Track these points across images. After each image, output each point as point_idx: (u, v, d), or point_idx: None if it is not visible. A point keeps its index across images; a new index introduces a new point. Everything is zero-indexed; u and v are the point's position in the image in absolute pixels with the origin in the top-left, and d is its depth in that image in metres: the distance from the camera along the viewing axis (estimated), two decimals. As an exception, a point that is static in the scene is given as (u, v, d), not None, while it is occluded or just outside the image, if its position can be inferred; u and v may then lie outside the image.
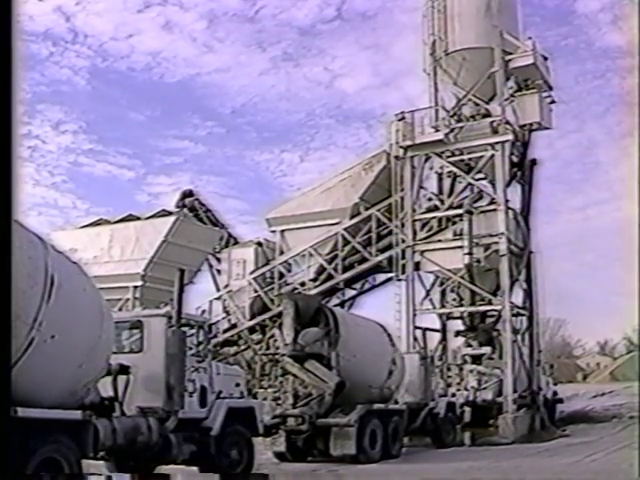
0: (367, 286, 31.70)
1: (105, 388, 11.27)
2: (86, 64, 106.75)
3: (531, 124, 26.98)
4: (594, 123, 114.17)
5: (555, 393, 32.48)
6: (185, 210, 32.35)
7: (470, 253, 25.51)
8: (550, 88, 27.88)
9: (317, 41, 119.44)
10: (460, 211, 26.38)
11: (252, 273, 30.72)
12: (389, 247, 28.20)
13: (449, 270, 26.49)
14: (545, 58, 27.96)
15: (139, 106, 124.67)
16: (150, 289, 28.21)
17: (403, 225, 27.46)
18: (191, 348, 12.98)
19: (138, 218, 30.49)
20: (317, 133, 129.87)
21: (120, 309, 24.24)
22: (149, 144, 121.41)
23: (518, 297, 27.49)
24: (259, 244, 31.59)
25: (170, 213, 30.81)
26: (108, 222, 30.99)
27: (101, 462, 12.55)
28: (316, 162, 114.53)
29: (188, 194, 33.85)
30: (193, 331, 13.28)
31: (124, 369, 11.59)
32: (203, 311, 29.27)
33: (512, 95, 27.03)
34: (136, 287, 28.60)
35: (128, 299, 28.03)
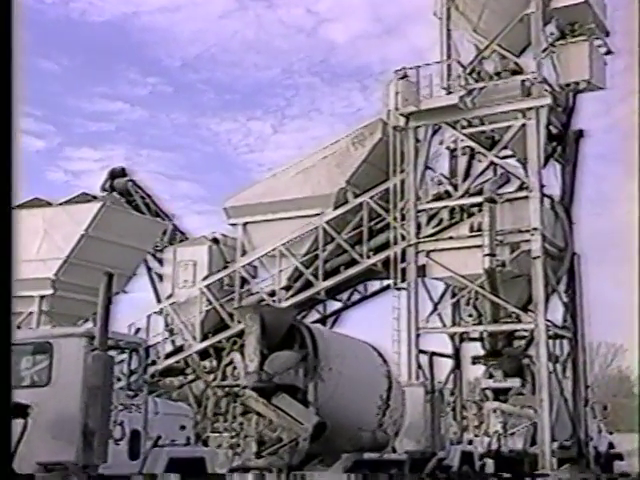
0: (356, 297, 31.84)
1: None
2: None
3: (577, 83, 26.85)
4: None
5: (611, 445, 32.61)
6: (115, 194, 32.42)
7: (492, 254, 25.36)
8: (607, 34, 27.92)
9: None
10: (479, 199, 26.28)
11: (205, 279, 30.76)
12: (385, 246, 28.19)
13: (464, 276, 26.47)
14: (602, -8, 28.09)
15: (51, 52, 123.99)
16: (63, 300, 28.09)
17: (404, 217, 27.45)
18: (120, 379, 13.05)
19: (49, 204, 30.28)
20: (295, 96, 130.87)
21: (19, 327, 23.81)
22: (66, 104, 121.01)
23: (557, 313, 27.65)
24: (215, 241, 31.61)
25: (94, 198, 30.64)
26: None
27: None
28: (293, 134, 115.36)
29: (120, 173, 34.02)
30: (124, 356, 13.40)
31: (21, 410, 11.31)
32: (138, 329, 29.34)
33: (552, 44, 26.95)
34: (43, 297, 28.41)
35: (31, 313, 27.83)
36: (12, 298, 5.14)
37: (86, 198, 30.48)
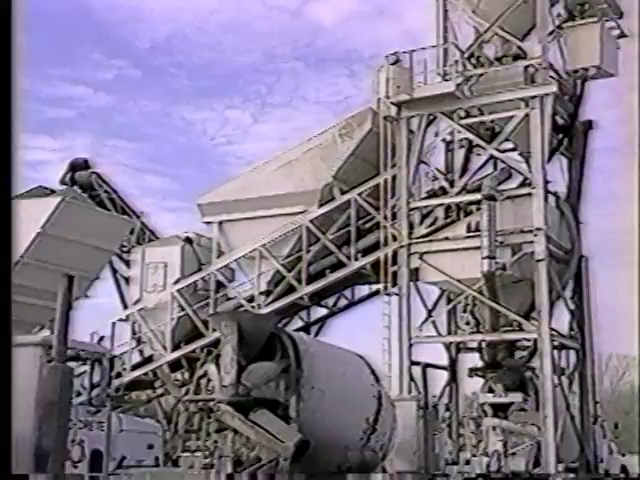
0: (343, 303, 31.80)
1: None
2: None
3: (586, 69, 27.01)
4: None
5: (624, 468, 32.60)
6: (76, 188, 32.26)
7: (492, 257, 25.30)
8: (620, 15, 28.05)
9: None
10: (478, 196, 26.23)
11: (177, 283, 30.67)
12: (375, 247, 28.06)
13: (461, 281, 26.46)
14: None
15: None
16: (16, 305, 27.23)
17: (395, 216, 27.47)
18: (80, 393, 13.06)
19: (0, 198, 30.13)
20: (278, 82, 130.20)
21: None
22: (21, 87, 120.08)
23: (562, 321, 27.63)
24: (188, 241, 31.52)
25: (52, 192, 30.47)
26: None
27: None
28: (275, 124, 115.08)
29: (82, 165, 33.75)
30: (85, 368, 13.47)
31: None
32: (101, 338, 29.25)
33: (559, 27, 27.07)
34: (-8, 301, 28.16)
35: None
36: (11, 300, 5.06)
37: (43, 192, 30.24)
